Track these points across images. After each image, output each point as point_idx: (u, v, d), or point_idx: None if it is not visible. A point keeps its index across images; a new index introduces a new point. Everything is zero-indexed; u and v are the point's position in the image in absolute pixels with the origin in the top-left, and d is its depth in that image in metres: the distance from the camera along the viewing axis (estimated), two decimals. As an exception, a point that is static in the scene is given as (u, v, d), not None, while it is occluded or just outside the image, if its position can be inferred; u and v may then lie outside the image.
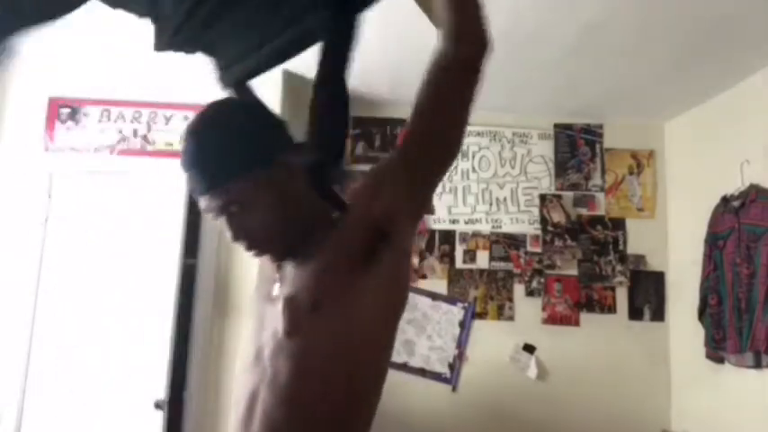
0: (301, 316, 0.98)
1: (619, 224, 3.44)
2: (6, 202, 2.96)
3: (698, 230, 2.98)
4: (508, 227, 3.41)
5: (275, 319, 1.01)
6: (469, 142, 3.48)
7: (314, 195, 1.03)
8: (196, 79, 3.12)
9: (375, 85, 3.18)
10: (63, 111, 3.11)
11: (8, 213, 2.94)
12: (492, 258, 3.36)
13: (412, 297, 2.94)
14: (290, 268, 1.05)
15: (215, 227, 3.02)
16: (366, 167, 3.38)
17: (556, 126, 3.51)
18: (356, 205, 1.03)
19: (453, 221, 3.40)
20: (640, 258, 3.40)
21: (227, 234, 1.00)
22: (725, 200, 2.84)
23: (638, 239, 3.42)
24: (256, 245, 1.02)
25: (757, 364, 2.58)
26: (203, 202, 0.99)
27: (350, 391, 0.99)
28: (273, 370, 0.99)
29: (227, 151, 0.97)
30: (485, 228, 3.40)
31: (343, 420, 0.98)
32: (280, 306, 1.01)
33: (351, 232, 1.00)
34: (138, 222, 2.93)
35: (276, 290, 1.06)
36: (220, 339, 2.90)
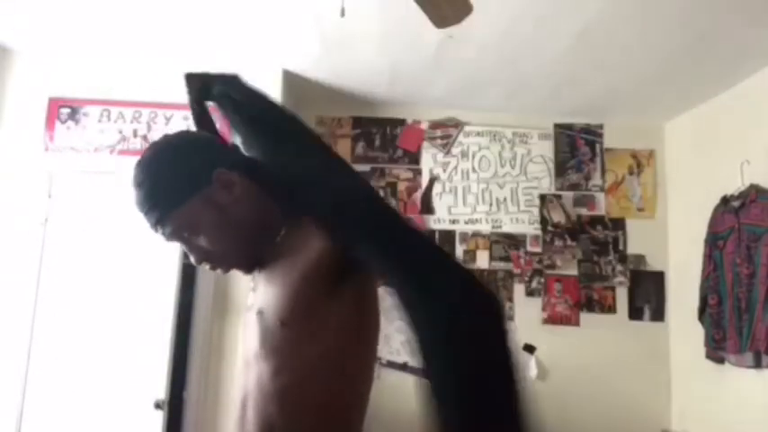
0: (270, 332, 0.98)
1: (619, 224, 3.44)
2: (6, 202, 2.96)
3: (698, 230, 2.98)
4: (508, 227, 3.41)
5: (252, 327, 1.03)
6: (469, 142, 3.48)
7: (259, 201, 1.04)
8: (196, 79, 3.13)
9: (375, 85, 3.18)
10: (63, 111, 3.11)
11: (8, 213, 2.94)
12: (492, 258, 3.36)
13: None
14: (261, 276, 1.06)
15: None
16: (366, 167, 3.38)
17: (556, 126, 3.51)
18: (317, 237, 0.96)
19: (453, 221, 3.40)
20: (640, 258, 3.40)
21: (191, 258, 1.04)
22: (725, 200, 2.84)
23: (638, 239, 3.42)
24: (218, 263, 1.05)
25: (757, 364, 2.59)
26: (157, 233, 1.05)
27: (323, 413, 0.96)
28: (259, 372, 0.99)
29: (159, 186, 1.03)
30: (485, 228, 3.40)
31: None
32: (252, 317, 1.02)
33: (311, 259, 0.95)
34: (137, 222, 2.92)
35: (251, 298, 1.09)
36: (220, 339, 2.89)
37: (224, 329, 2.90)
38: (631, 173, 3.50)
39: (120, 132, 3.12)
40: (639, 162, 3.50)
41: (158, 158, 1.06)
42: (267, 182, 1.05)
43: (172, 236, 1.04)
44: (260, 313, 1.00)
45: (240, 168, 1.04)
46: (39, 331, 2.85)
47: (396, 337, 3.15)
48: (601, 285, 3.37)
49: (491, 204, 3.43)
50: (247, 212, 1.03)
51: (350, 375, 0.99)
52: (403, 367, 3.12)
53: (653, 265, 3.40)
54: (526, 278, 3.35)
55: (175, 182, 1.03)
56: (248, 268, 1.08)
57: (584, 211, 3.45)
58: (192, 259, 1.04)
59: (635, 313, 3.36)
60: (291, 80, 3.01)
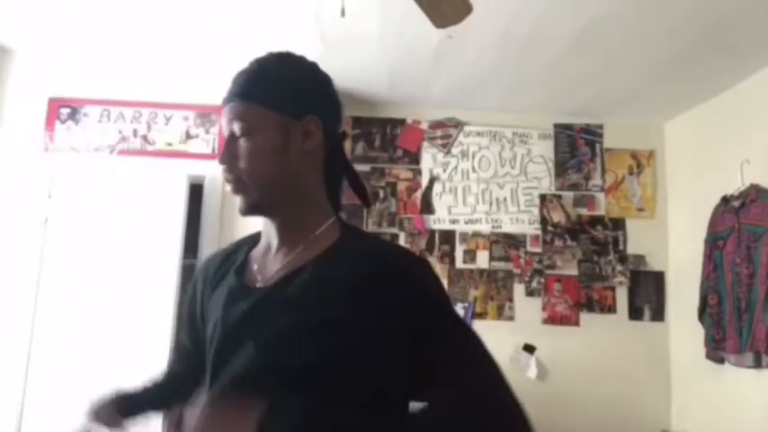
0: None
1: (619, 224, 3.44)
2: (6, 202, 2.96)
3: (698, 230, 2.98)
4: (508, 227, 3.41)
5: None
6: (469, 142, 3.48)
7: (318, 183, 1.05)
8: (196, 79, 3.13)
9: (375, 85, 3.18)
10: (63, 111, 3.11)
11: (8, 213, 2.95)
12: (492, 258, 3.36)
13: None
14: (270, 258, 1.03)
15: (215, 227, 3.03)
16: (366, 167, 3.38)
17: (556, 126, 3.51)
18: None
19: (453, 221, 3.40)
20: (640, 258, 3.40)
21: (220, 154, 1.02)
22: (725, 200, 2.84)
23: (638, 239, 3.42)
24: (237, 177, 1.01)
25: (757, 364, 2.58)
26: (224, 112, 1.02)
27: None
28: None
29: (269, 80, 1.02)
30: (485, 228, 3.40)
31: None
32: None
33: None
34: (137, 222, 2.93)
35: (256, 277, 1.03)
36: (220, 339, 2.89)
37: (224, 329, 2.90)
38: (631, 173, 3.50)
39: (120, 132, 3.12)
40: (639, 162, 3.50)
41: (291, 63, 1.07)
42: (334, 174, 1.10)
43: (229, 120, 1.01)
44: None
45: (327, 137, 1.04)
46: (39, 331, 2.85)
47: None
48: (601, 285, 3.37)
49: (491, 204, 3.43)
50: (302, 170, 1.02)
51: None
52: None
53: (653, 265, 3.40)
54: (526, 278, 3.35)
55: (281, 89, 1.02)
56: (250, 207, 1.02)
57: (584, 211, 3.45)
58: (221, 157, 1.01)
59: (635, 313, 3.36)
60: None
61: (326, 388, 0.89)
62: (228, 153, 1.00)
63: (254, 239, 1.13)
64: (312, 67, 1.08)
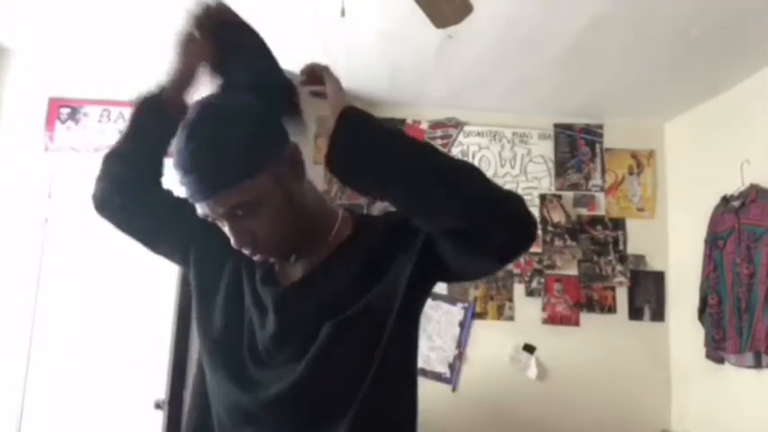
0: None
1: (619, 224, 3.44)
2: (6, 202, 2.96)
3: (698, 230, 2.98)
4: (508, 227, 3.40)
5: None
6: (469, 142, 3.48)
7: (310, 190, 1.03)
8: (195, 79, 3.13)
9: (375, 85, 3.18)
10: (63, 111, 3.11)
11: (8, 213, 2.95)
12: (492, 258, 3.36)
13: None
14: (298, 265, 1.04)
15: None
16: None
17: (556, 126, 3.51)
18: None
19: (453, 221, 3.40)
20: (640, 258, 3.40)
21: (231, 239, 0.94)
22: (725, 200, 2.84)
23: (638, 239, 3.42)
24: (262, 249, 0.95)
25: (757, 364, 2.58)
26: (204, 208, 0.91)
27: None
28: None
29: (232, 151, 0.88)
30: (485, 228, 3.39)
31: None
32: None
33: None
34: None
35: (281, 276, 1.04)
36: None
37: (224, 329, 2.90)
38: (631, 173, 3.50)
39: (120, 132, 3.12)
40: (639, 162, 3.50)
41: (226, 119, 0.90)
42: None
43: (222, 213, 0.91)
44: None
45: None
46: (39, 331, 2.85)
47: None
48: (601, 285, 3.37)
49: (491, 204, 3.42)
50: (311, 198, 1.01)
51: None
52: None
53: (653, 265, 3.40)
54: (526, 278, 3.35)
55: (249, 149, 0.89)
56: (286, 258, 1.01)
57: (584, 211, 3.45)
58: (235, 241, 0.93)
59: (635, 313, 3.36)
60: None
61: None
62: (242, 237, 0.93)
63: None
64: (249, 104, 0.93)
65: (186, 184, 0.90)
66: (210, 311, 1.05)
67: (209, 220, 0.94)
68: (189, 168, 0.89)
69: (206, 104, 0.95)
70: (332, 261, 1.01)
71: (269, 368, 0.98)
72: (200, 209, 0.92)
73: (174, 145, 0.93)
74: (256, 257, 0.97)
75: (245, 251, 0.95)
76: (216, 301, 1.05)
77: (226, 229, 0.94)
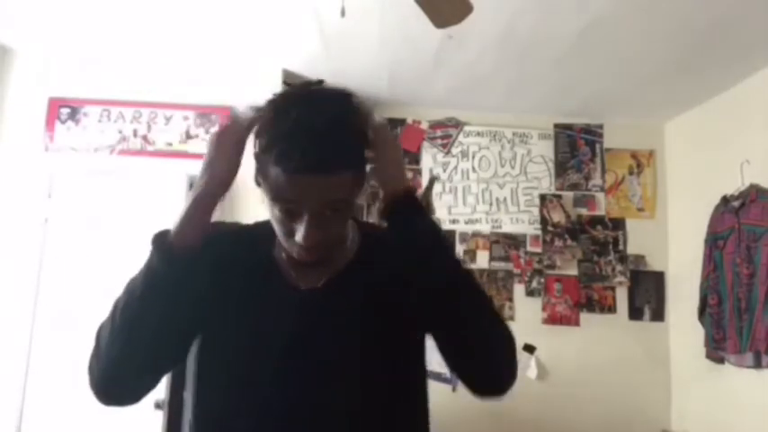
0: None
1: (619, 224, 3.44)
2: (6, 202, 2.96)
3: (698, 230, 2.98)
4: (508, 227, 3.41)
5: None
6: (469, 142, 3.48)
7: None
8: (196, 79, 3.13)
9: (375, 85, 3.18)
10: (63, 111, 3.11)
11: (8, 213, 2.94)
12: (492, 258, 3.36)
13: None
14: (314, 272, 0.99)
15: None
16: (366, 167, 3.38)
17: (556, 126, 3.51)
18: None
19: (453, 221, 3.40)
20: (640, 258, 3.40)
21: (303, 238, 0.88)
22: (725, 200, 2.84)
23: (638, 239, 3.42)
24: (322, 250, 0.92)
25: (757, 364, 2.59)
26: (302, 189, 0.85)
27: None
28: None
29: (357, 135, 0.90)
30: (485, 228, 3.40)
31: None
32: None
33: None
34: (138, 222, 2.93)
35: (297, 284, 0.99)
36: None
37: (224, 329, 2.90)
38: (631, 173, 3.50)
39: (120, 132, 3.12)
40: (639, 162, 3.50)
41: (349, 105, 0.90)
42: None
43: (317, 206, 0.86)
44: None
45: None
46: (39, 331, 2.85)
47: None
48: (601, 285, 3.37)
49: (491, 204, 3.43)
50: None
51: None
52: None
53: (653, 265, 3.40)
54: (526, 278, 3.35)
55: (365, 142, 0.91)
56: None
57: (584, 211, 3.45)
58: (305, 237, 0.88)
59: (635, 313, 3.36)
60: (291, 80, 3.00)
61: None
62: (318, 234, 0.89)
63: (267, 236, 1.02)
64: (356, 98, 0.93)
65: (301, 152, 0.82)
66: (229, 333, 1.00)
67: (284, 206, 0.88)
68: (317, 133, 0.83)
69: (325, 89, 0.92)
70: (354, 271, 1.00)
71: (286, 371, 0.95)
72: (291, 191, 0.86)
73: (288, 113, 0.85)
74: (303, 254, 0.93)
75: (304, 249, 0.91)
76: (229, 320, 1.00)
77: (297, 225, 0.89)
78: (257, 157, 0.91)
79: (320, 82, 0.94)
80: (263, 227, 1.04)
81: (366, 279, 0.98)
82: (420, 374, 1.05)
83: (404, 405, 0.99)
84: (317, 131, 0.83)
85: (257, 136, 0.91)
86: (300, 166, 0.83)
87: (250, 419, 0.94)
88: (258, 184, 0.93)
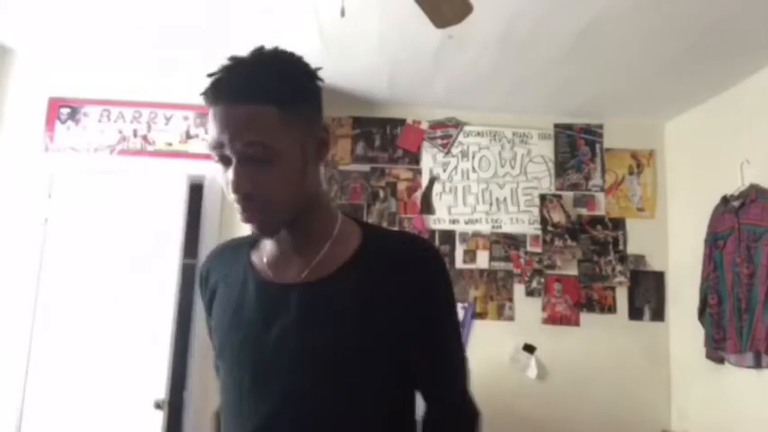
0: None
1: (619, 224, 3.44)
2: (6, 202, 2.96)
3: (698, 230, 2.98)
4: (508, 227, 3.41)
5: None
6: (469, 142, 3.48)
7: (322, 183, 1.02)
8: (196, 79, 3.13)
9: (375, 85, 3.18)
10: (63, 111, 3.11)
11: (8, 213, 2.95)
12: (492, 258, 3.36)
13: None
14: (288, 261, 0.99)
15: (215, 227, 3.03)
16: (366, 167, 3.38)
17: (556, 126, 3.51)
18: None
19: (453, 221, 3.40)
20: (640, 258, 3.40)
21: (231, 185, 0.87)
22: (725, 200, 2.84)
23: (638, 239, 3.42)
24: (257, 204, 0.89)
25: (757, 364, 2.59)
26: (222, 126, 0.85)
27: None
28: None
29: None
30: (485, 228, 3.40)
31: None
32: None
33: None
34: (137, 222, 2.93)
35: (274, 281, 0.99)
36: (220, 339, 2.89)
37: (224, 329, 2.90)
38: (631, 173, 3.50)
39: (120, 132, 3.12)
40: (639, 162, 3.50)
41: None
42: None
43: (238, 147, 0.85)
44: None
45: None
46: (39, 331, 2.85)
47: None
48: (601, 285, 3.37)
49: (491, 204, 3.43)
50: (316, 180, 0.98)
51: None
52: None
53: (653, 265, 3.40)
54: (526, 278, 3.35)
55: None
56: (273, 230, 0.95)
57: (584, 211, 3.45)
58: (233, 185, 0.86)
59: (635, 313, 3.36)
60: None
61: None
62: (245, 182, 0.86)
63: (248, 240, 1.07)
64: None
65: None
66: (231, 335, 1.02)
67: (217, 152, 0.88)
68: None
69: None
70: (348, 271, 0.97)
71: (274, 371, 0.95)
72: (218, 127, 0.87)
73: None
74: (244, 214, 0.91)
75: (238, 202, 0.89)
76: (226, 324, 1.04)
77: (228, 173, 0.88)
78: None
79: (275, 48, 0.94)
80: (245, 237, 1.09)
81: (358, 285, 0.95)
82: (398, 390, 1.00)
83: (368, 416, 0.95)
84: (243, 63, 0.88)
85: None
86: (219, 94, 0.86)
87: (237, 425, 0.97)
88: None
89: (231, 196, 0.89)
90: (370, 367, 0.94)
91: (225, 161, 0.89)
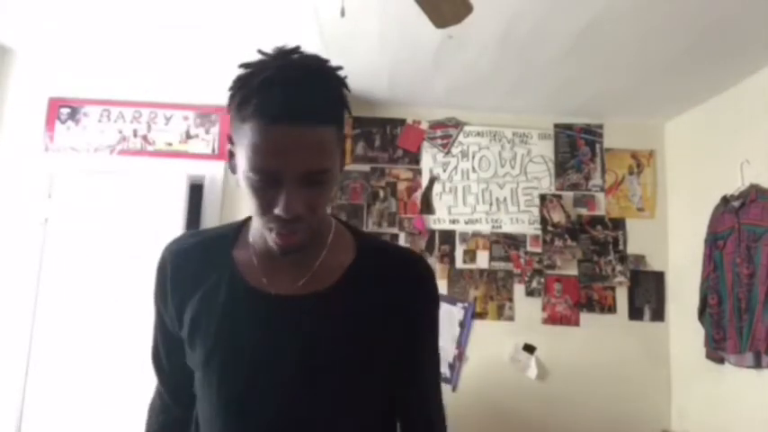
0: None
1: (619, 224, 3.44)
2: (6, 202, 2.96)
3: (698, 230, 2.98)
4: (508, 227, 3.41)
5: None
6: (469, 142, 3.48)
7: None
8: (196, 79, 3.13)
9: (375, 85, 3.18)
10: (63, 111, 3.11)
11: (8, 213, 2.95)
12: (492, 258, 3.36)
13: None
14: (280, 263, 0.95)
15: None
16: (366, 167, 3.39)
17: (556, 126, 3.51)
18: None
19: (453, 221, 3.40)
20: (640, 258, 3.40)
21: (283, 208, 0.81)
22: (725, 200, 2.84)
23: (638, 239, 3.42)
24: (303, 227, 0.85)
25: (757, 364, 2.58)
26: (288, 148, 0.79)
27: None
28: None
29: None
30: (485, 228, 3.40)
31: None
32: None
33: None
34: (137, 222, 2.93)
35: (264, 283, 0.94)
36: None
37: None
38: (631, 173, 3.50)
39: (120, 132, 3.12)
40: (639, 162, 3.50)
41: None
42: None
43: (299, 174, 0.80)
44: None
45: None
46: (39, 331, 2.85)
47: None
48: (601, 285, 3.37)
49: (491, 204, 3.43)
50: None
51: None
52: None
53: (653, 265, 3.40)
54: (526, 278, 3.35)
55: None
56: (305, 247, 0.90)
57: (584, 211, 3.45)
58: (286, 207, 0.80)
59: (635, 313, 3.36)
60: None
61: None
62: (299, 204, 0.81)
63: (226, 235, 1.01)
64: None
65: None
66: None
67: (265, 176, 0.81)
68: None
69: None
70: (345, 285, 0.95)
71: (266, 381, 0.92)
72: (273, 149, 0.79)
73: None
74: (283, 236, 0.85)
75: (275, 223, 0.84)
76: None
77: (280, 193, 0.81)
78: (232, 127, 0.86)
79: (294, 49, 0.89)
80: (223, 228, 1.04)
81: (355, 301, 0.94)
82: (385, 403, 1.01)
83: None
84: (298, 80, 0.80)
85: (230, 105, 0.86)
86: (282, 113, 0.78)
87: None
88: (233, 170, 0.90)
89: (265, 218, 0.85)
90: (369, 383, 0.94)
91: (270, 182, 0.82)
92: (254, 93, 0.80)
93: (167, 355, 1.05)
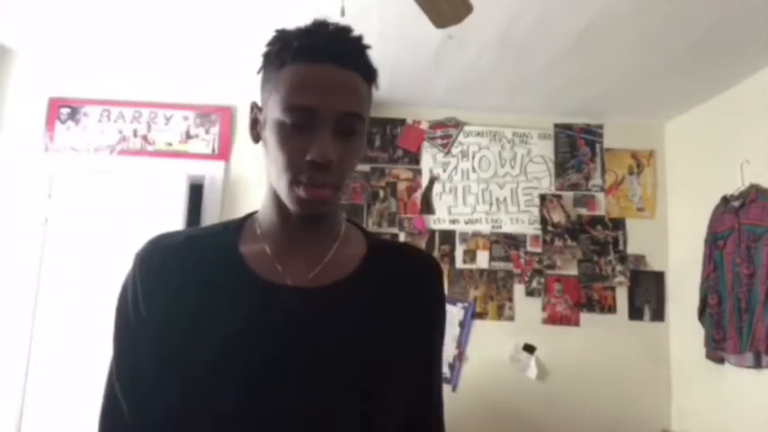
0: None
1: (619, 224, 3.44)
2: (6, 202, 2.96)
3: (698, 230, 2.98)
4: (508, 227, 3.41)
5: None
6: (469, 142, 3.48)
7: None
8: (196, 79, 3.13)
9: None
10: (63, 111, 3.11)
11: (8, 213, 2.95)
12: (492, 258, 3.36)
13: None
14: (295, 253, 0.91)
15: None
16: (366, 167, 3.38)
17: (556, 126, 3.51)
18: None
19: (453, 221, 3.40)
20: (640, 258, 3.40)
21: (317, 151, 0.80)
22: (725, 200, 2.84)
23: (638, 239, 3.42)
24: (332, 178, 0.83)
25: (757, 364, 2.59)
26: (330, 87, 0.81)
27: None
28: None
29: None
30: (485, 228, 3.40)
31: None
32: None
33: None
34: (137, 222, 2.93)
35: (282, 274, 0.90)
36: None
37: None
38: (631, 173, 3.50)
39: (120, 132, 3.12)
40: (639, 162, 3.50)
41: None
42: None
43: (337, 113, 0.81)
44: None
45: None
46: (39, 331, 2.85)
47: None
48: (601, 285, 3.37)
49: (491, 204, 3.43)
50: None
51: None
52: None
53: (653, 265, 3.40)
54: (526, 278, 3.35)
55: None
56: (326, 215, 0.90)
57: (584, 211, 3.45)
58: (321, 151, 0.80)
59: (635, 313, 3.36)
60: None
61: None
62: (332, 152, 0.81)
63: (223, 233, 0.96)
64: None
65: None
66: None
67: (298, 115, 0.81)
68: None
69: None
70: (358, 281, 0.93)
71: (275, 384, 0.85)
72: (313, 89, 0.81)
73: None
74: (311, 187, 0.83)
75: (305, 172, 0.82)
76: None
77: (315, 138, 0.81)
78: (264, 81, 0.88)
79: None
80: (215, 227, 1.00)
81: (368, 298, 0.92)
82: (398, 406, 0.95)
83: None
84: (339, 32, 0.86)
85: (266, 56, 0.89)
86: (324, 55, 0.82)
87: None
88: (256, 138, 0.91)
89: (293, 168, 0.82)
90: (388, 382, 0.90)
91: (304, 125, 0.82)
92: (295, 38, 0.86)
93: (132, 393, 0.93)
